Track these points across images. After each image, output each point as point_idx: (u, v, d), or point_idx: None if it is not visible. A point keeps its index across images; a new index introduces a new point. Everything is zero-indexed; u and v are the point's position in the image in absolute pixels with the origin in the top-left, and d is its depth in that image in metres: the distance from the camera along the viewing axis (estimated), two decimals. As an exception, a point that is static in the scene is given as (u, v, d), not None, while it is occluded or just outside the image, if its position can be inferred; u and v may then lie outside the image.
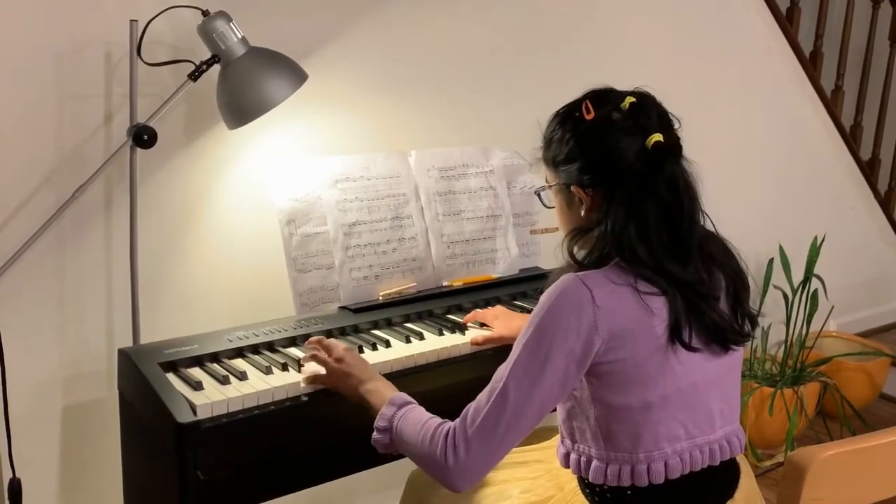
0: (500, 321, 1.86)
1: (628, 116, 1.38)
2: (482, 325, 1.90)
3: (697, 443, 1.40)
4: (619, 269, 1.35)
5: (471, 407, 1.37)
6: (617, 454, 1.37)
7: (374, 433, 1.45)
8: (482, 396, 1.36)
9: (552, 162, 1.46)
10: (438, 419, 1.41)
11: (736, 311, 1.44)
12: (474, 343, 1.82)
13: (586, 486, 1.45)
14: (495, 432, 1.33)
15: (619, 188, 1.37)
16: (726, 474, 1.47)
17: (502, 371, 1.35)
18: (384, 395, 1.50)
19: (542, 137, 1.49)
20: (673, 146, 1.38)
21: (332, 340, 1.65)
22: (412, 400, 1.48)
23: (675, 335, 1.34)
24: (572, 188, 1.42)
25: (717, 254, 1.44)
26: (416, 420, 1.41)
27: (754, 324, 1.47)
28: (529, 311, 1.95)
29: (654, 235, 1.35)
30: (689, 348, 1.35)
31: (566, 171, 1.43)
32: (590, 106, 1.40)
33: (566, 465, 1.46)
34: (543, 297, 1.35)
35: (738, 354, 1.46)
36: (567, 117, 1.44)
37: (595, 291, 1.31)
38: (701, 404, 1.40)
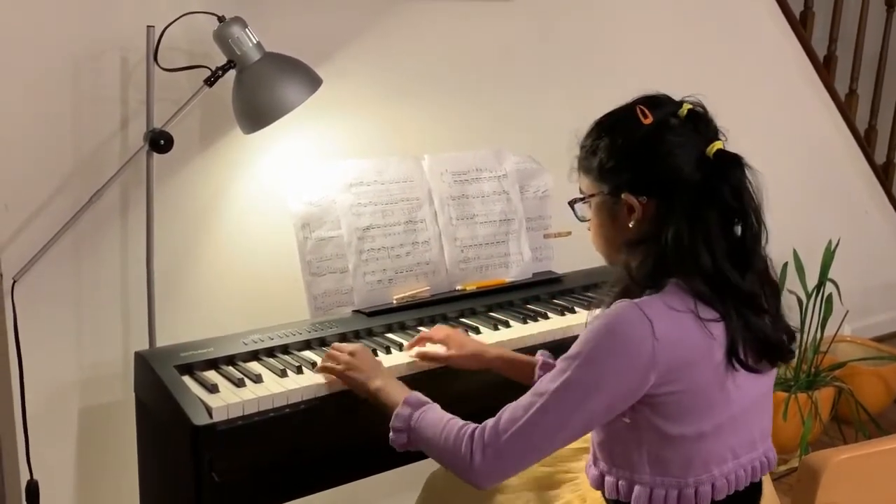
0: (454, 340, 1.75)
1: (686, 122, 1.36)
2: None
3: (741, 462, 1.39)
4: (678, 291, 1.30)
5: (506, 412, 1.34)
6: (665, 479, 1.34)
7: (391, 433, 1.45)
8: (519, 406, 1.33)
9: (598, 171, 1.40)
10: (460, 420, 1.40)
11: (776, 326, 1.40)
12: (420, 357, 1.74)
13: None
14: (528, 444, 1.31)
15: (676, 197, 1.33)
16: (755, 486, 1.45)
17: (545, 386, 1.31)
18: (398, 394, 1.49)
19: (581, 147, 1.43)
20: (735, 154, 1.36)
21: (345, 344, 1.66)
22: (428, 399, 1.47)
23: (733, 356, 1.30)
24: (623, 196, 1.37)
25: (761, 268, 1.40)
26: (437, 420, 1.41)
27: (792, 338, 1.43)
28: (536, 316, 1.98)
29: (717, 245, 1.31)
30: (749, 368, 1.32)
31: (615, 180, 1.38)
32: (646, 110, 1.36)
33: (599, 486, 1.42)
34: (600, 323, 1.29)
35: (775, 371, 1.43)
36: (617, 123, 1.39)
37: (656, 323, 1.26)
38: (747, 426, 1.38)
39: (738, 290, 1.31)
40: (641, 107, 1.37)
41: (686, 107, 1.37)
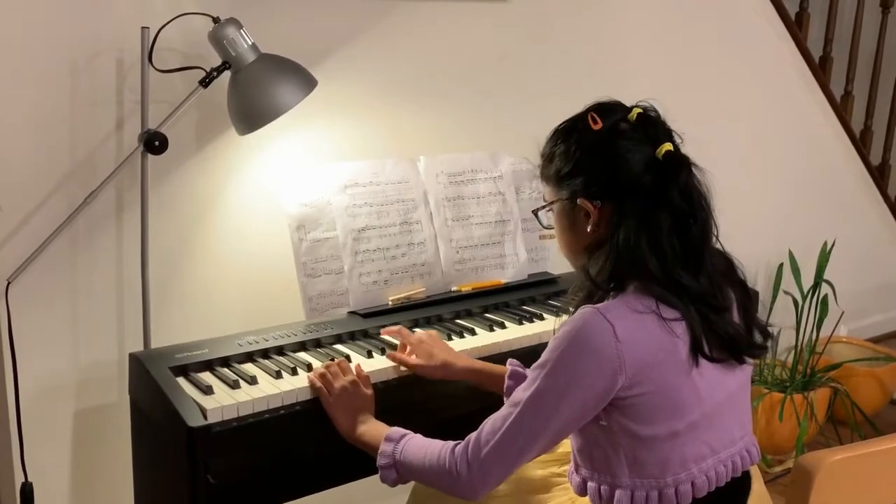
0: (423, 348, 1.74)
1: (637, 127, 1.37)
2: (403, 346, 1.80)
3: (721, 458, 1.39)
4: (639, 294, 1.32)
5: (486, 424, 1.37)
6: (644, 480, 1.35)
7: (380, 472, 1.47)
8: (498, 418, 1.36)
9: (555, 177, 1.43)
10: (440, 441, 1.43)
11: (748, 323, 1.43)
12: (391, 358, 1.73)
13: None
14: (508, 453, 1.34)
15: (629, 199, 1.35)
16: (741, 483, 1.46)
17: (519, 395, 1.34)
18: (379, 434, 1.50)
19: (541, 155, 1.46)
20: (683, 155, 1.38)
21: (345, 365, 1.66)
22: (408, 431, 1.49)
23: (696, 349, 1.32)
24: (579, 201, 1.39)
25: (722, 267, 1.43)
26: (419, 446, 1.44)
27: (766, 335, 1.46)
28: (532, 317, 1.98)
29: (667, 246, 1.33)
30: (711, 359, 1.33)
31: (572, 185, 1.40)
32: (596, 116, 1.38)
33: (582, 493, 1.44)
34: (562, 332, 1.32)
35: (750, 366, 1.45)
36: (571, 130, 1.42)
37: (617, 325, 1.28)
38: (723, 421, 1.39)
39: (690, 291, 1.33)
40: (592, 113, 1.40)
41: (636, 111, 1.39)
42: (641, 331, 1.30)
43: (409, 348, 1.76)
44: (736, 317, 1.42)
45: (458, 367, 1.72)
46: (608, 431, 1.35)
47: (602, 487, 1.39)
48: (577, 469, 1.45)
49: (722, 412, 1.38)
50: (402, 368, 1.73)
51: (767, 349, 1.46)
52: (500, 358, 1.79)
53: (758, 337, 1.44)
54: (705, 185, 1.39)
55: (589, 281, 1.37)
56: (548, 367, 1.32)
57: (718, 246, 1.44)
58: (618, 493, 1.36)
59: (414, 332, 1.84)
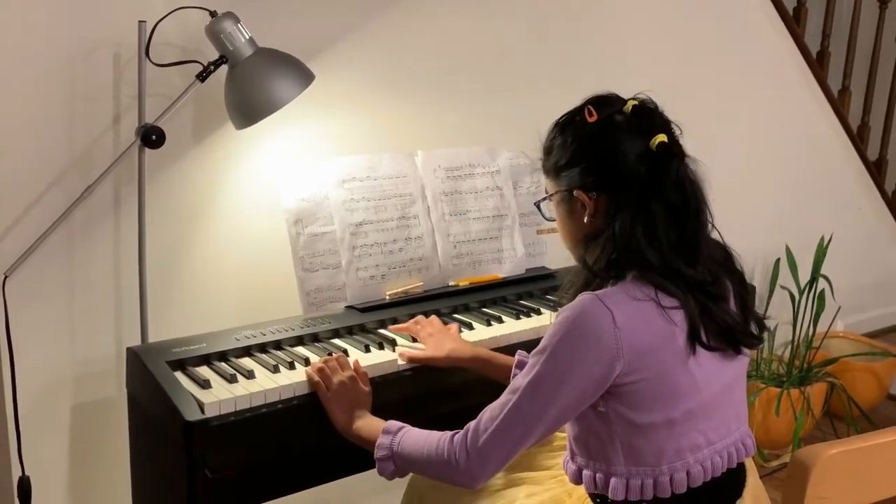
0: (433, 340, 1.78)
1: (631, 118, 1.39)
2: (413, 339, 1.83)
3: (717, 448, 1.40)
4: (638, 282, 1.33)
5: (486, 413, 1.38)
6: (639, 468, 1.36)
7: (377, 464, 1.47)
8: (496, 406, 1.37)
9: (553, 169, 1.45)
10: (437, 431, 1.43)
11: (744, 314, 1.44)
12: (402, 357, 1.75)
13: (599, 498, 1.43)
14: (507, 440, 1.35)
15: (623, 190, 1.36)
16: (737, 475, 1.47)
17: (519, 382, 1.35)
18: (376, 427, 1.51)
19: (542, 147, 1.48)
20: (677, 146, 1.39)
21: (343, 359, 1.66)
22: (404, 424, 1.49)
23: (694, 336, 1.33)
24: (575, 193, 1.41)
25: (720, 257, 1.45)
26: (417, 437, 1.44)
27: (762, 327, 1.47)
28: (529, 312, 1.98)
29: (663, 237, 1.34)
30: (708, 347, 1.35)
31: (568, 177, 1.42)
32: (592, 109, 1.40)
33: (578, 481, 1.44)
34: (561, 318, 1.33)
35: (746, 358, 1.46)
36: (568, 123, 1.44)
37: (616, 312, 1.29)
38: (719, 411, 1.40)
39: (688, 279, 1.34)
40: (589, 106, 1.41)
41: (631, 103, 1.40)
42: (640, 318, 1.30)
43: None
44: (733, 306, 1.43)
45: (465, 356, 1.74)
46: (605, 418, 1.35)
47: (597, 475, 1.40)
48: (572, 457, 1.46)
49: (718, 403, 1.39)
50: (400, 362, 1.73)
51: (763, 340, 1.47)
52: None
53: (754, 327, 1.45)
54: (699, 176, 1.40)
55: (586, 269, 1.39)
56: (546, 352, 1.33)
57: (716, 236, 1.45)
58: (613, 480, 1.37)
59: (418, 320, 1.86)
